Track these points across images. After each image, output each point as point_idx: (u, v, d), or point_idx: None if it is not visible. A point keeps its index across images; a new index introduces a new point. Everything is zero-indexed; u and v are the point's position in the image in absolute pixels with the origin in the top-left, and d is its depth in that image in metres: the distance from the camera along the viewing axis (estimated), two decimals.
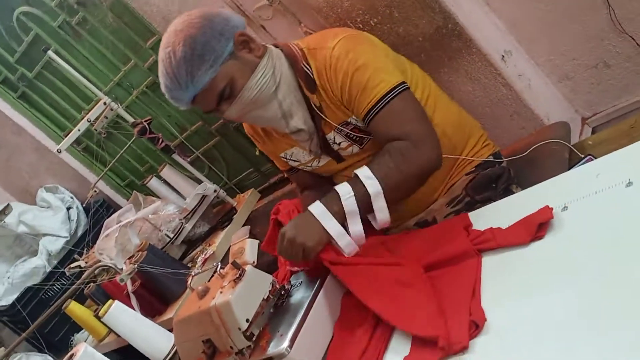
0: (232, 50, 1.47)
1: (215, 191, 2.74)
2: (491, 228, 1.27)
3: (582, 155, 1.70)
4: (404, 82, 1.50)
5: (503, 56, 2.06)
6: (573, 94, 2.21)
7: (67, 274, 2.87)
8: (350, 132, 1.58)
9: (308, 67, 1.55)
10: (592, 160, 1.65)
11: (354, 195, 1.41)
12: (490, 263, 1.20)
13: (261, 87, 1.50)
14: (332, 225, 1.40)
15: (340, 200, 1.42)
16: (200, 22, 1.46)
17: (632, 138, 1.70)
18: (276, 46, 1.60)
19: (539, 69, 2.18)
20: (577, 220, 1.11)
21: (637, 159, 1.12)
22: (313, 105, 1.56)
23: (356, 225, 1.42)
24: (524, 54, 2.15)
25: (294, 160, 1.74)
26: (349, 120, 1.57)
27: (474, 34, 1.99)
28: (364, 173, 1.43)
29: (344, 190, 1.43)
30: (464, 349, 1.04)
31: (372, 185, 1.42)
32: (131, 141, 2.85)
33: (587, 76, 2.14)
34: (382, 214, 1.44)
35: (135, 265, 1.86)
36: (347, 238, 1.41)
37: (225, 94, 1.48)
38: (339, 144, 1.62)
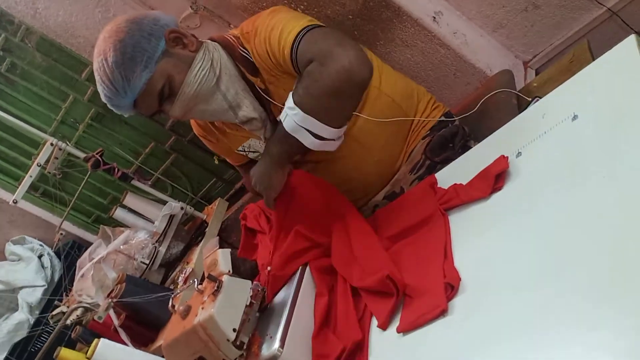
0: (165, 49, 1.45)
1: (182, 208, 2.71)
2: (454, 185, 1.27)
3: (530, 99, 1.72)
4: (310, 25, 1.43)
5: (434, 17, 2.07)
6: (510, 41, 2.23)
7: (51, 323, 2.81)
8: None
9: (245, 51, 1.52)
10: (540, 100, 1.66)
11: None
12: (456, 220, 1.21)
13: (200, 80, 1.47)
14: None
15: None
16: (127, 25, 1.44)
17: (573, 72, 1.72)
18: (212, 40, 1.57)
19: (472, 23, 2.19)
20: (531, 164, 1.12)
21: (578, 92, 1.13)
22: (259, 89, 1.54)
23: (308, 137, 1.38)
24: (454, 11, 2.16)
25: (253, 152, 1.71)
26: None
27: (401, 1, 1.99)
28: (288, 104, 1.38)
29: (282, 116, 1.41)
30: (443, 312, 1.04)
31: (296, 114, 1.36)
32: (87, 176, 2.79)
33: (519, 20, 2.16)
34: (325, 131, 1.37)
35: (111, 301, 1.83)
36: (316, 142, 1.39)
37: (165, 93, 1.46)
38: None
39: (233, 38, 1.55)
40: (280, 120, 1.41)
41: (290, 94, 1.39)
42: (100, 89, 1.47)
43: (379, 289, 1.22)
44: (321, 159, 1.63)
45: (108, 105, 1.50)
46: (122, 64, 1.41)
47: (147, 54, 1.42)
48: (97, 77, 1.47)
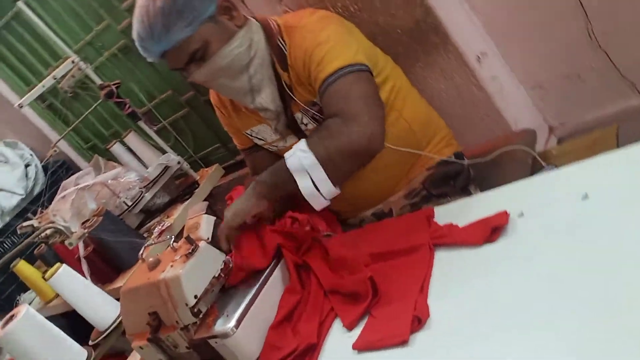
0: (213, 14, 1.44)
1: (179, 163, 2.70)
2: (450, 224, 1.28)
3: (545, 164, 1.72)
4: (363, 64, 1.45)
5: (479, 57, 2.06)
6: (543, 103, 2.23)
7: (19, 232, 2.80)
8: (316, 114, 1.56)
9: (283, 43, 1.53)
10: (555, 169, 1.67)
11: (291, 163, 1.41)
12: (443, 258, 1.21)
13: (234, 56, 1.47)
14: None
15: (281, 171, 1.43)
16: None
17: (594, 152, 1.72)
18: (255, 19, 1.57)
19: (513, 74, 2.19)
20: (530, 228, 1.12)
21: (596, 173, 1.14)
22: (284, 83, 1.54)
23: (307, 181, 1.39)
24: (500, 57, 2.16)
25: (260, 139, 1.71)
26: (315, 100, 1.54)
27: (452, 31, 1.98)
28: (300, 146, 1.40)
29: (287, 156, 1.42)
30: (403, 342, 1.05)
31: (307, 157, 1.37)
32: (97, 103, 2.79)
33: (559, 86, 2.16)
34: (324, 184, 1.39)
35: (86, 231, 1.82)
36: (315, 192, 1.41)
37: (197, 56, 1.45)
38: (306, 124, 1.60)
39: (275, 25, 1.55)
40: (285, 157, 1.41)
41: (304, 140, 1.41)
42: (136, 26, 1.46)
43: (355, 290, 1.22)
44: None
45: (136, 44, 1.48)
46: (168, 13, 1.39)
47: (195, 13, 1.41)
48: (137, 14, 1.45)
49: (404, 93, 1.66)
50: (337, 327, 1.25)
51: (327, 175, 1.38)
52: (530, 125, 2.05)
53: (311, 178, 1.39)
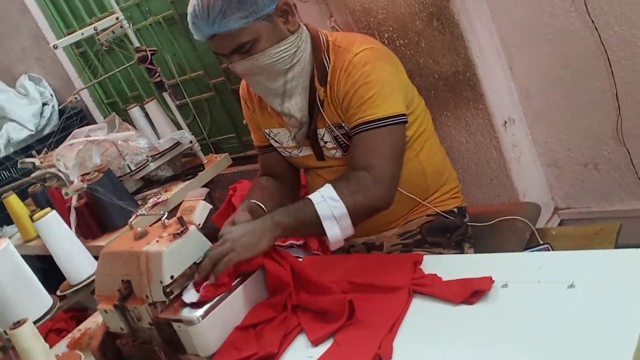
0: (271, 13, 1.47)
1: (191, 142, 2.72)
2: (434, 275, 1.28)
3: (541, 242, 1.74)
4: (402, 115, 1.50)
5: (506, 122, 2.08)
6: (556, 182, 2.24)
7: (19, 166, 2.82)
8: (340, 136, 1.58)
9: (327, 60, 1.55)
10: (549, 250, 1.68)
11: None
12: (419, 306, 1.22)
13: (278, 59, 1.50)
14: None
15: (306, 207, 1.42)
16: None
17: (592, 243, 1.74)
18: (307, 28, 1.60)
19: (534, 147, 2.21)
20: (511, 301, 1.13)
21: (588, 266, 1.14)
22: (317, 97, 1.56)
23: (336, 229, 1.43)
24: (525, 127, 2.18)
25: (276, 141, 1.73)
26: (343, 124, 1.57)
27: (487, 91, 2.01)
28: (330, 194, 1.42)
29: (317, 199, 1.43)
30: None
31: (338, 207, 1.41)
32: (129, 64, 2.81)
33: (574, 170, 2.18)
34: (348, 231, 1.44)
35: (85, 185, 1.83)
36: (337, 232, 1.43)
37: (244, 48, 1.48)
38: (326, 142, 1.62)
39: (325, 40, 1.57)
40: (314, 202, 1.42)
41: (332, 188, 1.43)
42: (192, 3, 1.48)
43: (328, 309, 1.24)
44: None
45: (188, 19, 1.51)
46: (230, 1, 1.42)
47: (255, 8, 1.43)
48: None
49: (426, 136, 1.68)
50: (298, 342, 1.25)
51: (353, 222, 1.43)
52: (537, 200, 2.06)
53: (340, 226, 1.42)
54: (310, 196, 1.44)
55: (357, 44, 1.55)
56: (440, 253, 1.62)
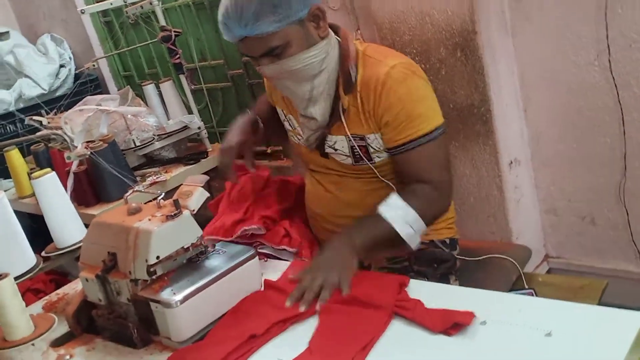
0: (303, 18, 1.46)
1: (199, 128, 2.73)
2: (418, 301, 1.28)
3: (526, 286, 1.74)
4: (443, 124, 1.55)
5: (512, 162, 2.09)
6: (551, 229, 2.25)
7: (25, 122, 2.83)
8: (357, 147, 1.59)
9: (355, 69, 1.55)
10: (532, 295, 1.69)
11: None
12: (397, 328, 1.22)
13: (307, 64, 1.50)
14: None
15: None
16: None
17: (576, 296, 1.74)
18: (336, 32, 1.59)
19: (535, 191, 2.21)
20: (488, 339, 1.13)
21: (568, 319, 1.15)
22: (340, 105, 1.57)
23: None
24: (531, 170, 2.19)
25: (289, 125, 1.74)
26: (366, 136, 1.57)
27: (498, 128, 2.02)
28: (410, 218, 1.49)
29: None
30: None
31: (417, 222, 1.50)
32: (151, 41, 2.83)
33: (572, 222, 2.18)
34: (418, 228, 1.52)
35: (89, 152, 1.84)
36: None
37: (274, 52, 1.47)
38: (336, 150, 1.62)
39: (354, 49, 1.58)
40: (395, 226, 1.47)
41: (412, 211, 1.49)
42: (227, 2, 1.47)
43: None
44: (338, 186, 1.67)
45: (219, 19, 1.50)
46: (264, 4, 1.41)
47: (288, 12, 1.43)
48: None
49: None
50: (271, 343, 1.26)
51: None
52: (529, 244, 2.07)
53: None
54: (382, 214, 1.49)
55: (390, 57, 1.56)
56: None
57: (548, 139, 2.12)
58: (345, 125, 1.57)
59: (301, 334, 1.26)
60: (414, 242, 1.50)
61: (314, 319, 1.29)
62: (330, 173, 1.70)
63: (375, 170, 1.60)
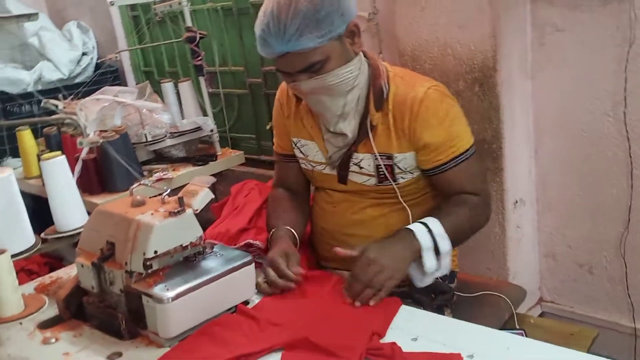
0: (342, 34, 1.47)
1: (211, 131, 2.75)
2: (392, 343, 1.25)
3: (517, 327, 1.74)
4: (474, 142, 1.60)
5: (517, 202, 2.10)
6: (548, 273, 2.24)
7: (41, 105, 2.85)
8: (382, 166, 1.58)
9: (387, 86, 1.56)
10: (522, 336, 1.68)
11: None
12: None
13: (343, 80, 1.50)
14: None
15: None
16: None
17: (566, 343, 1.74)
18: (364, 53, 1.60)
19: (537, 234, 2.21)
20: None
21: None
22: (369, 122, 1.57)
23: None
24: (534, 212, 2.19)
25: (302, 152, 1.72)
26: (394, 155, 1.57)
27: (507, 167, 2.03)
28: (438, 230, 1.48)
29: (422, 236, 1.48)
30: None
31: (445, 245, 1.48)
32: (176, 40, 2.86)
33: (570, 268, 2.18)
34: (445, 269, 1.51)
35: (101, 140, 1.85)
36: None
37: (314, 67, 1.46)
38: (362, 168, 1.61)
39: (383, 68, 1.59)
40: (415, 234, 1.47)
41: (437, 222, 1.49)
42: (267, 19, 1.44)
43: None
44: (351, 206, 1.68)
45: (257, 34, 1.48)
46: (307, 20, 1.40)
47: (330, 27, 1.43)
48: (273, 8, 1.43)
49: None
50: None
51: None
52: (525, 285, 2.06)
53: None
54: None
55: (421, 79, 1.60)
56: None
57: (555, 183, 2.12)
58: (372, 142, 1.57)
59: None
60: (430, 278, 1.51)
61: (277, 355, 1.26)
62: (346, 192, 1.69)
63: (398, 191, 1.60)
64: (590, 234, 2.09)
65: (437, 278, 1.67)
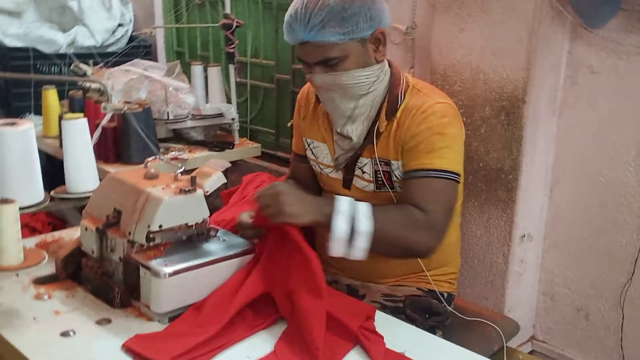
0: (366, 38, 1.50)
1: (233, 119, 2.76)
2: (382, 337, 1.29)
3: None
4: (459, 175, 1.54)
5: (524, 236, 2.09)
6: (544, 313, 2.23)
7: (71, 68, 2.88)
8: (380, 172, 1.60)
9: (402, 97, 1.58)
10: None
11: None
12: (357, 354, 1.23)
13: (357, 83, 1.53)
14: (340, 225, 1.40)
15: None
16: None
17: None
18: (390, 65, 1.63)
19: (539, 271, 2.20)
20: None
21: None
22: (376, 129, 1.58)
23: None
24: (540, 249, 2.18)
25: (313, 154, 1.75)
26: (391, 162, 1.58)
27: (520, 200, 2.02)
28: (364, 210, 1.43)
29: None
30: None
31: (365, 224, 1.41)
32: (212, 25, 2.89)
33: (566, 311, 2.16)
34: (358, 252, 1.42)
35: (125, 108, 1.87)
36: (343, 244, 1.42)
37: (330, 62, 1.50)
38: (364, 173, 1.63)
39: (404, 80, 1.60)
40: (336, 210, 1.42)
41: (368, 206, 1.43)
42: (298, 5, 1.50)
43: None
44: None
45: (285, 20, 1.53)
46: (333, 15, 1.45)
47: (354, 27, 1.47)
48: None
49: (456, 212, 1.69)
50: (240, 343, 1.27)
51: (371, 247, 1.42)
52: (520, 321, 2.04)
53: (351, 239, 1.41)
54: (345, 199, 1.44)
55: (438, 95, 1.60)
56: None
57: (565, 223, 2.11)
58: (374, 147, 1.58)
59: (269, 337, 1.29)
60: (338, 245, 1.42)
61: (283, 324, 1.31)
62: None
63: (395, 199, 1.60)
64: (592, 279, 2.07)
65: (435, 298, 1.67)
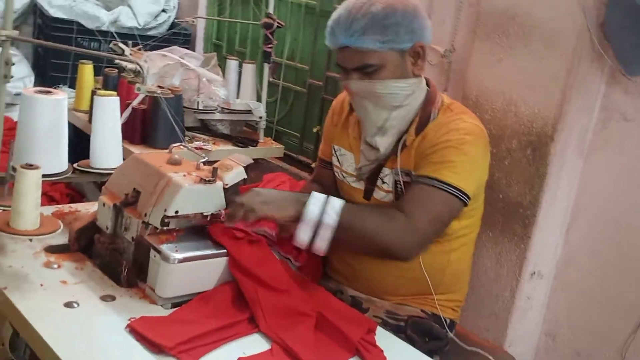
0: (405, 50, 1.53)
1: (260, 117, 2.78)
2: (382, 351, 1.30)
3: None
4: (466, 195, 1.52)
5: (534, 273, 2.07)
6: (545, 353, 2.20)
7: (109, 46, 2.92)
8: (401, 183, 1.60)
9: (435, 115, 1.59)
10: None
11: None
12: None
13: (391, 93, 1.55)
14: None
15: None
16: (411, 5, 1.52)
17: None
18: (426, 82, 1.65)
19: (545, 311, 2.18)
20: None
21: None
22: (403, 141, 1.59)
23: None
24: (548, 288, 2.15)
25: (338, 160, 1.76)
26: (412, 172, 1.58)
27: (536, 237, 2.00)
28: (334, 206, 1.43)
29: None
30: None
31: (330, 217, 1.42)
32: (253, 22, 2.91)
33: (567, 354, 2.13)
34: (321, 242, 1.42)
35: (159, 92, 1.89)
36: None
37: (367, 69, 1.52)
38: (384, 183, 1.64)
39: (440, 101, 1.61)
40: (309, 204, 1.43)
41: (340, 202, 1.44)
42: (342, 11, 1.53)
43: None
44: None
45: (328, 24, 1.56)
46: (374, 22, 1.48)
47: (394, 37, 1.50)
48: (351, 3, 1.53)
49: (466, 241, 1.70)
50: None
51: (344, 240, 1.45)
52: (518, 357, 2.03)
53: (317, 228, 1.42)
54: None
55: (470, 116, 1.61)
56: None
57: (578, 266, 2.09)
58: (398, 158, 1.59)
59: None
60: (304, 234, 1.42)
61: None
62: None
63: None
64: (596, 328, 2.05)
65: (438, 323, 1.67)
